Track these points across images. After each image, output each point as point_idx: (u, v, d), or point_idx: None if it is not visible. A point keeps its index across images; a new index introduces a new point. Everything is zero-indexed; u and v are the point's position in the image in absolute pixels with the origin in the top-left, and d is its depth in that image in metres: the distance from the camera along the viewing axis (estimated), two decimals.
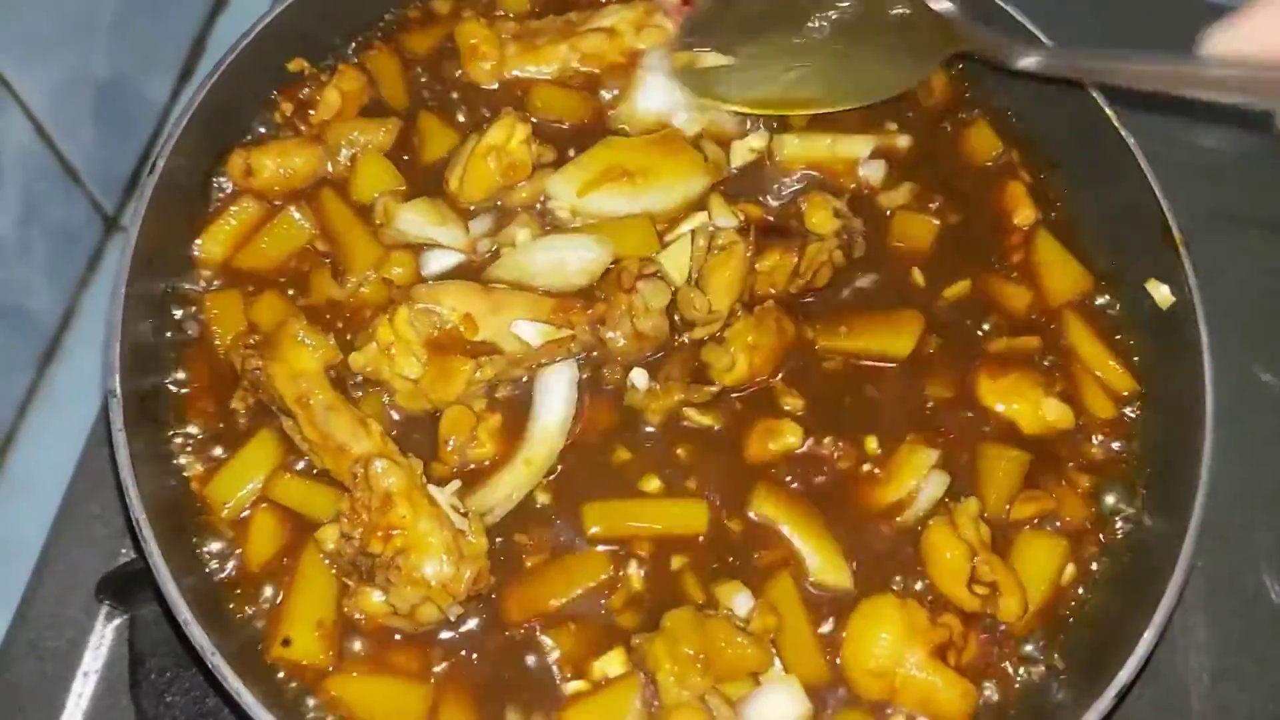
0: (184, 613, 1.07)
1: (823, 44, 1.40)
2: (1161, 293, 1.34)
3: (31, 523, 1.45)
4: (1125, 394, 1.36)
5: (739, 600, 1.19)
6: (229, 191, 1.37)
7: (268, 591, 1.19)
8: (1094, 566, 1.28)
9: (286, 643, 1.15)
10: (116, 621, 1.39)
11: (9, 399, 1.51)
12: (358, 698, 1.15)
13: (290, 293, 1.32)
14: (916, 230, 1.42)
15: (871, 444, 1.29)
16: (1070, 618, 1.26)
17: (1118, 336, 1.39)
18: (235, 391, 1.25)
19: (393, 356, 1.21)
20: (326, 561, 1.18)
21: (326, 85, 1.41)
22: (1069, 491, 1.30)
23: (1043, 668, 1.23)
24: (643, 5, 1.47)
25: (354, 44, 1.49)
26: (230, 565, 1.20)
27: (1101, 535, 1.29)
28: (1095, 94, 1.38)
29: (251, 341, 1.24)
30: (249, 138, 1.41)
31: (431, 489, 1.18)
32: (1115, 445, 1.34)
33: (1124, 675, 1.12)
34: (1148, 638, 1.13)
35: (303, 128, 1.40)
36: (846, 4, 1.40)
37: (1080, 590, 1.27)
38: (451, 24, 1.47)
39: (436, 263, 1.33)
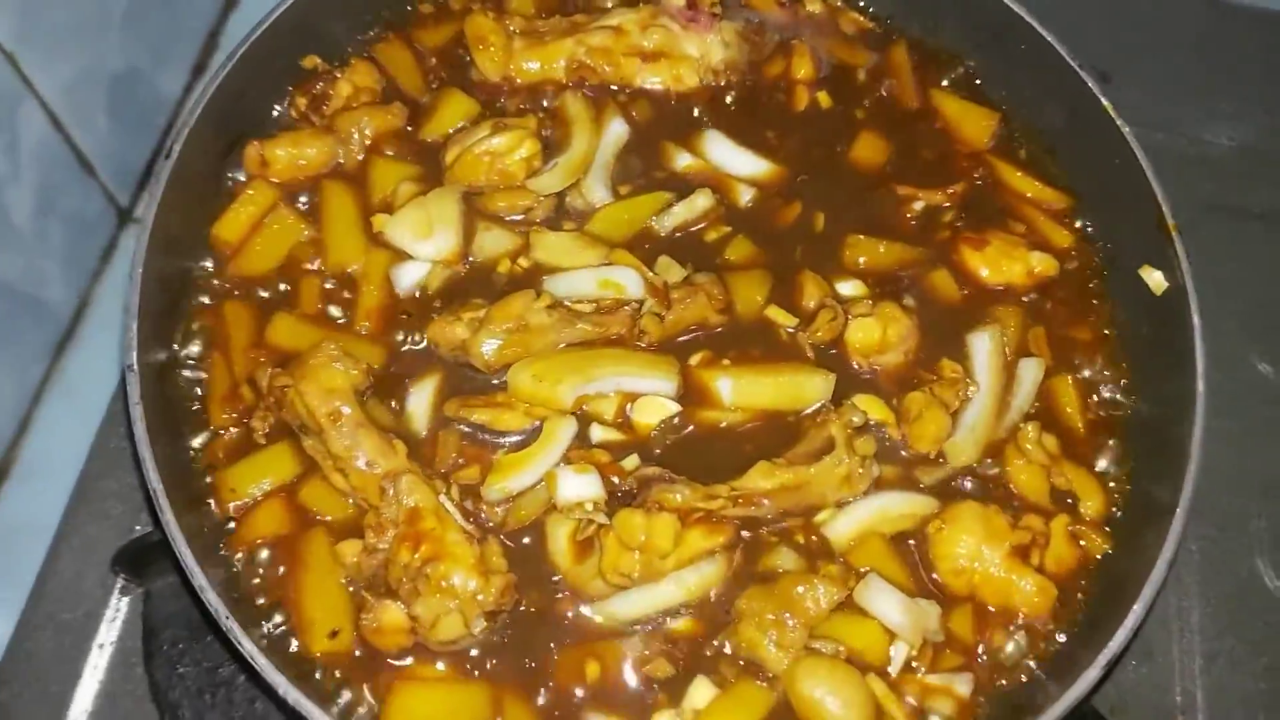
0: (200, 578, 1.10)
1: None
2: (1155, 279, 1.35)
3: (47, 504, 1.47)
4: (1065, 208, 1.47)
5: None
6: (242, 181, 1.40)
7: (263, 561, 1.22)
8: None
9: (334, 634, 1.17)
10: (131, 595, 1.41)
11: (25, 386, 1.54)
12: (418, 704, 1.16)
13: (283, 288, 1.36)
14: None
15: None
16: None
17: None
18: (255, 411, 1.27)
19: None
20: (344, 580, 1.20)
21: (339, 79, 1.44)
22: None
23: None
24: (648, 8, 1.51)
25: (364, 38, 1.52)
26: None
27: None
28: (1091, 84, 1.41)
29: (262, 361, 1.28)
30: (264, 130, 1.43)
31: (448, 506, 1.20)
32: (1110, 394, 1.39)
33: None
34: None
35: (316, 120, 1.43)
36: None
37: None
38: (463, 20, 1.51)
39: (407, 278, 1.36)
